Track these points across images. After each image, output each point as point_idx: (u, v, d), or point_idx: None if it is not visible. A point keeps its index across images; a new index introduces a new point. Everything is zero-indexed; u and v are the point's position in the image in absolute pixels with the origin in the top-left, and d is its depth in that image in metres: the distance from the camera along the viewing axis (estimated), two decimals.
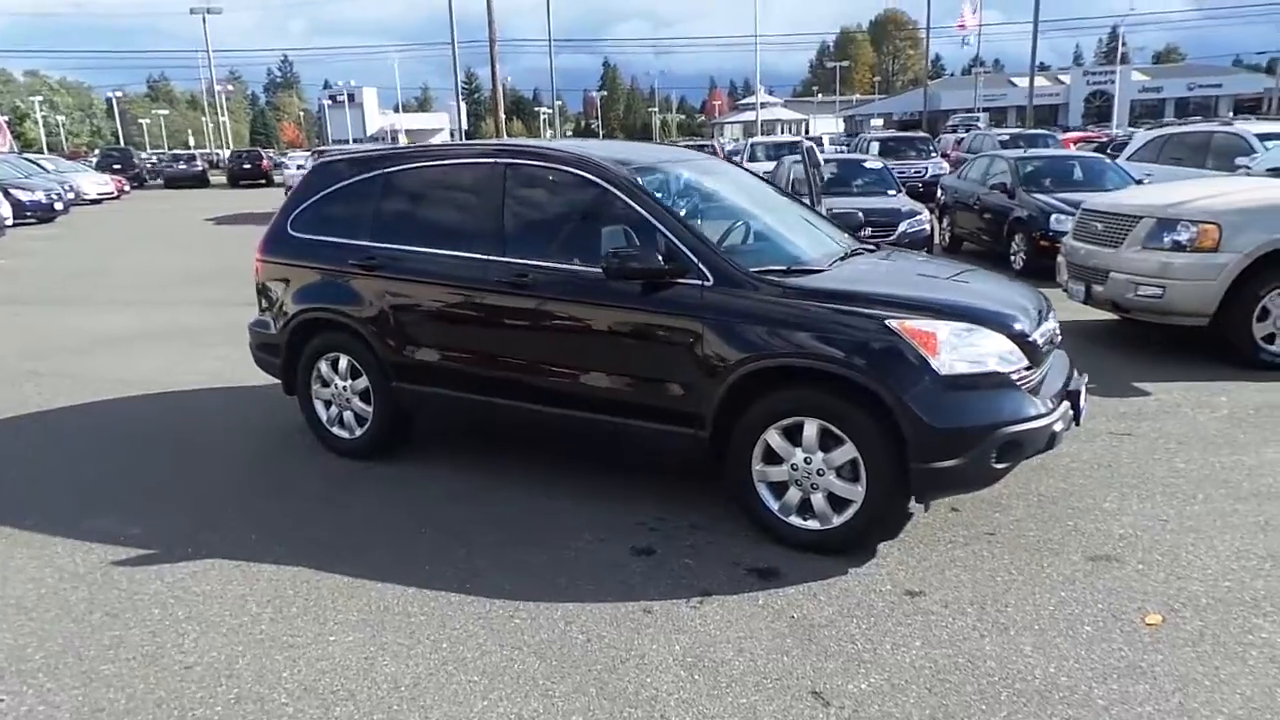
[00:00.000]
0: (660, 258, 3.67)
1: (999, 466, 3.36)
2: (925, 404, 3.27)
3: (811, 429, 3.49)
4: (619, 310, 3.84)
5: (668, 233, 3.78)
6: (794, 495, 3.60)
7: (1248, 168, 7.26)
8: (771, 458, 3.62)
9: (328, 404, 4.88)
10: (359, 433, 4.79)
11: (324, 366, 4.82)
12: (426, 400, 4.53)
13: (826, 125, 76.23)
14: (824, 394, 3.46)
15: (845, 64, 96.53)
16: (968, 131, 32.04)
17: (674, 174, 4.33)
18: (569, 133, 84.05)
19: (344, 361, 4.74)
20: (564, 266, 3.99)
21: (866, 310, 3.42)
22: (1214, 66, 76.27)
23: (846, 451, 3.44)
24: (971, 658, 2.87)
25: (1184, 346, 6.58)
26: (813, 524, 3.59)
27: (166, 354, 7.53)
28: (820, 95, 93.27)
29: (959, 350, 3.34)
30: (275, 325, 4.96)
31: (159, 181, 41.29)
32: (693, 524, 3.89)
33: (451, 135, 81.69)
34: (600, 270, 3.84)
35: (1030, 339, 3.51)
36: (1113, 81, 64.20)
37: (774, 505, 3.65)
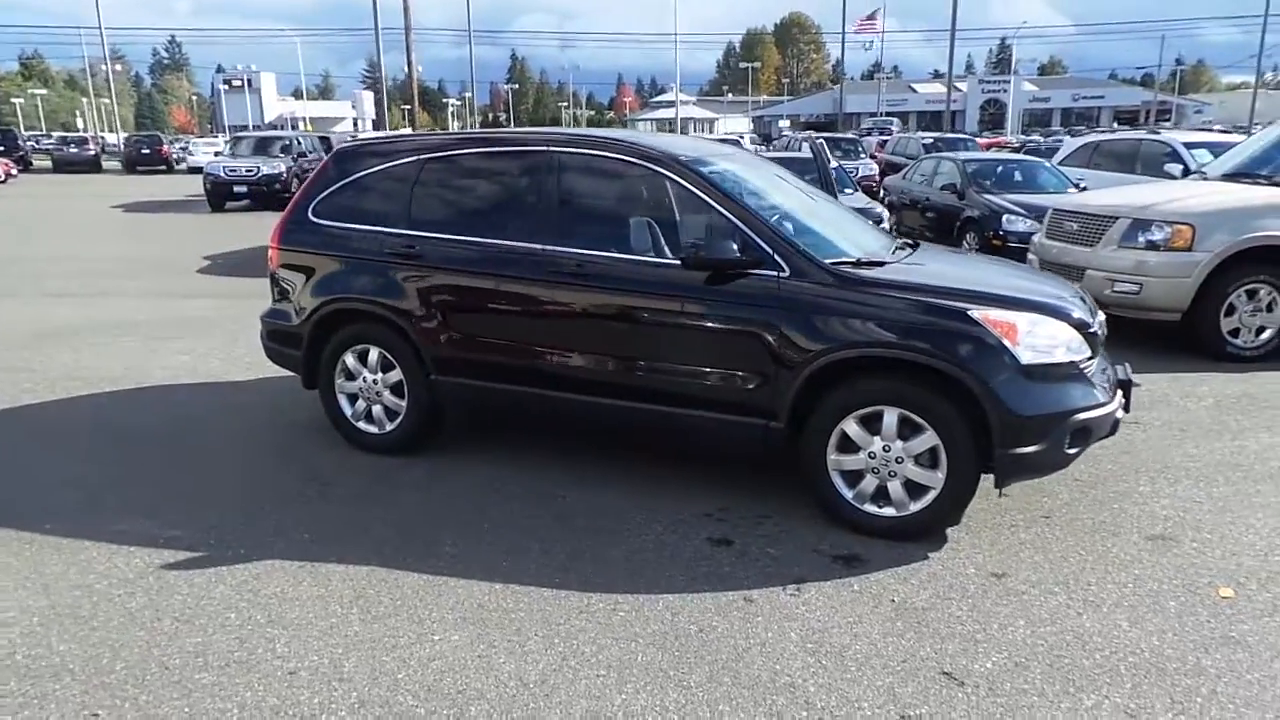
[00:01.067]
0: (735, 248, 3.68)
1: (1071, 451, 3.51)
2: (1010, 392, 3.39)
3: (891, 418, 3.56)
4: (690, 301, 3.82)
5: (739, 223, 3.79)
6: (870, 483, 3.67)
7: (1203, 173, 7.73)
8: (846, 446, 3.68)
9: (353, 398, 4.70)
10: (390, 427, 4.63)
11: (350, 359, 4.63)
12: (470, 393, 4.40)
13: (736, 125, 77.54)
14: (905, 383, 3.54)
15: (756, 65, 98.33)
16: (883, 134, 33.33)
17: (724, 166, 4.33)
18: (477, 124, 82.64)
19: (374, 354, 4.57)
20: (630, 257, 3.95)
21: (947, 302, 3.52)
22: (1095, 80, 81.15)
23: (926, 439, 3.53)
24: (1077, 634, 3.00)
25: (1150, 340, 6.97)
26: (889, 511, 3.66)
27: (122, 348, 7.09)
28: (730, 95, 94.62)
29: (1034, 340, 3.48)
30: (296, 317, 4.73)
31: (47, 165, 38.63)
32: (759, 514, 3.92)
33: (357, 124, 79.33)
34: (668, 260, 3.84)
35: (1092, 329, 3.69)
36: (1005, 90, 67.61)
37: (849, 494, 3.71)
